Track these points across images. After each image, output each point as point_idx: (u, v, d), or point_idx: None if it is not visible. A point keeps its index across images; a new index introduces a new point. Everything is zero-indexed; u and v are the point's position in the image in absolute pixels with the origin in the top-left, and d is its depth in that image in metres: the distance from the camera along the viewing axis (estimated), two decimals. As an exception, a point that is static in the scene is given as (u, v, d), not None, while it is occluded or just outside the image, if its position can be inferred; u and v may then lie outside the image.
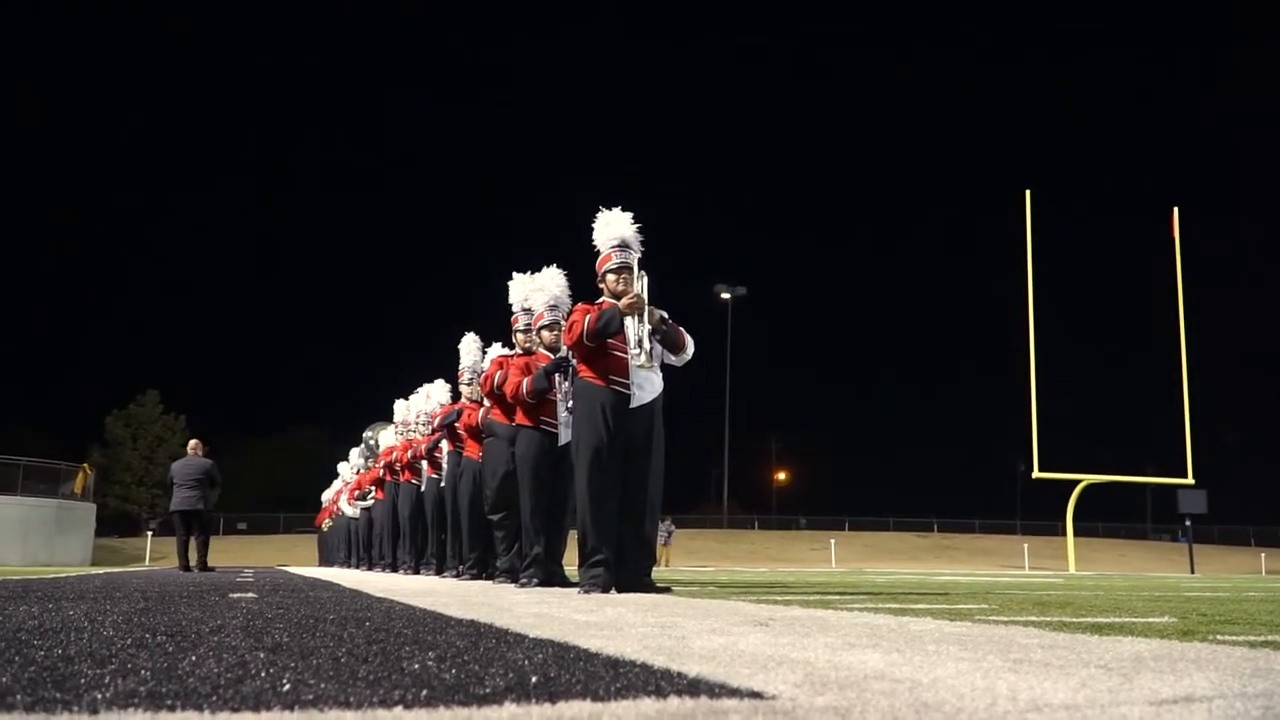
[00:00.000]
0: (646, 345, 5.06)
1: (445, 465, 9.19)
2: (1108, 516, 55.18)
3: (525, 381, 6.34)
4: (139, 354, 70.29)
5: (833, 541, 38.78)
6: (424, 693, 1.38)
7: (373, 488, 13.74)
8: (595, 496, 5.07)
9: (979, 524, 56.10)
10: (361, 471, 15.90)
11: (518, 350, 7.06)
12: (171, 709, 1.25)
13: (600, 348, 5.18)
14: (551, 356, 6.46)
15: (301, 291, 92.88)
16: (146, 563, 29.66)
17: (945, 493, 62.24)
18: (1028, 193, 26.04)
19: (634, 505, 5.12)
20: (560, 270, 6.87)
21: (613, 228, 5.43)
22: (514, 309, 7.17)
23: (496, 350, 7.85)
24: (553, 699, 1.32)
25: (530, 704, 1.28)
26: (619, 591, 4.97)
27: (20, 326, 72.00)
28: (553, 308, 6.69)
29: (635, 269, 5.30)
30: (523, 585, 6.17)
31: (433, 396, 10.39)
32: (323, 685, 1.46)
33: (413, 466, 10.41)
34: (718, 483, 59.65)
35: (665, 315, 5.25)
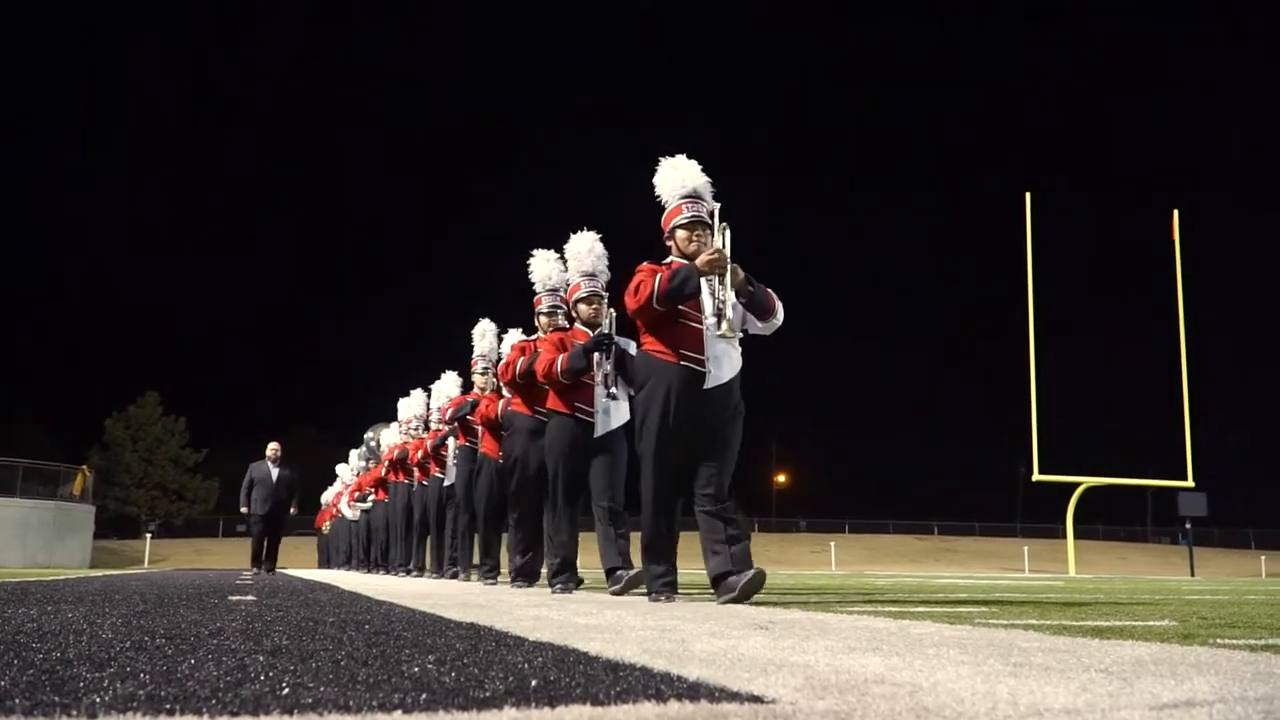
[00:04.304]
0: (729, 312, 4.30)
1: (453, 462, 8.86)
2: (1108, 519, 55.23)
3: (560, 359, 5.58)
4: (138, 356, 70.32)
5: (833, 544, 38.78)
6: (424, 696, 1.37)
7: (373, 489, 13.73)
8: (663, 491, 4.42)
9: (979, 527, 56.10)
10: (362, 473, 15.91)
11: (539, 335, 6.50)
12: (170, 712, 1.25)
13: (670, 315, 4.38)
14: (590, 333, 5.72)
15: (300, 293, 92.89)
16: (146, 565, 29.65)
17: (945, 495, 62.22)
18: (1028, 195, 26.08)
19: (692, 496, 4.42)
20: (596, 235, 6.01)
21: (680, 175, 4.65)
22: (536, 289, 6.55)
23: (515, 336, 7.30)
24: (552, 703, 1.32)
25: (530, 708, 1.28)
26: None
27: (19, 327, 72.02)
28: (590, 277, 5.85)
29: (715, 220, 4.51)
30: (557, 593, 5.51)
31: (443, 391, 9.93)
32: (322, 689, 1.45)
33: (423, 466, 10.14)
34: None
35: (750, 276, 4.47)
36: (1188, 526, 33.02)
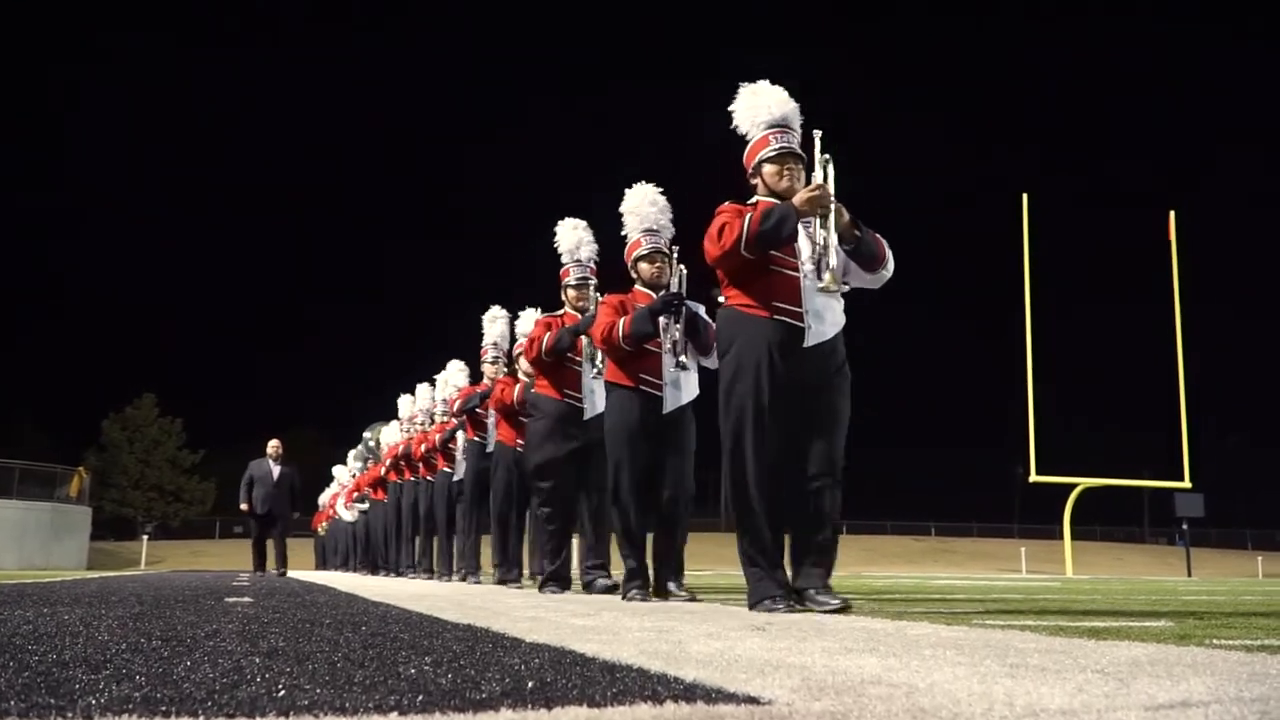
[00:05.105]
0: (831, 260, 3.61)
1: (463, 457, 8.61)
2: (1105, 520, 55.28)
3: (622, 322, 4.82)
4: (136, 356, 70.24)
5: (830, 545, 38.67)
6: (420, 698, 1.37)
7: (370, 489, 13.68)
8: (761, 481, 3.68)
9: (977, 527, 56.17)
10: (360, 474, 15.86)
11: (566, 310, 6.01)
12: (166, 714, 1.25)
13: (760, 264, 3.69)
14: (652, 295, 5.00)
15: (300, 293, 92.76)
16: (142, 567, 29.61)
17: (943, 496, 62.22)
18: (1025, 195, 26.09)
19: (798, 480, 3.72)
20: (656, 187, 5.21)
21: (763, 101, 3.92)
22: (563, 260, 6.01)
23: (533, 315, 6.84)
24: (549, 704, 1.32)
25: (526, 709, 1.28)
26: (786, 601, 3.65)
27: (18, 327, 71.91)
28: (651, 233, 5.08)
29: (817, 151, 3.76)
30: (631, 599, 4.76)
31: (450, 382, 9.51)
32: (318, 690, 1.45)
33: (429, 461, 9.85)
34: (715, 485, 59.55)
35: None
36: (1184, 527, 33.12)
